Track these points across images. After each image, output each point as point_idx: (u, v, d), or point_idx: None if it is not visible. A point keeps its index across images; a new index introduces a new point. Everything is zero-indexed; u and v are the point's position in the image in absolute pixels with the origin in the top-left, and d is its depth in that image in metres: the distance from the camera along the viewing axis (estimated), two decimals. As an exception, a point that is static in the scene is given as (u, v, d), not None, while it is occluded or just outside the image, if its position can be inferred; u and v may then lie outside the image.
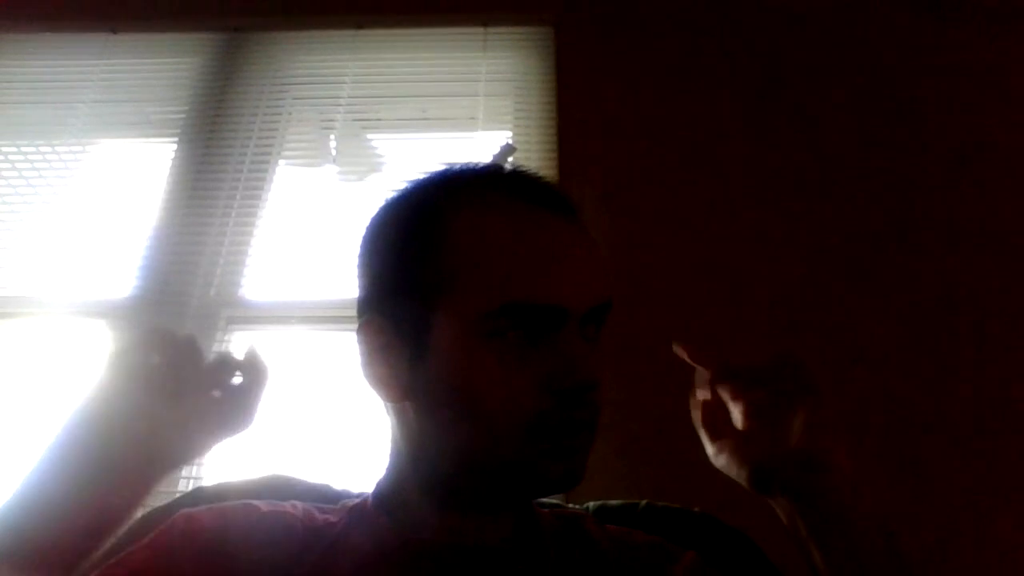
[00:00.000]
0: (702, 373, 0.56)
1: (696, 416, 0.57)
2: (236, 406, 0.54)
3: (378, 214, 0.55)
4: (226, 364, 0.55)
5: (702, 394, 0.57)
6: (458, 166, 0.54)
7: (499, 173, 0.53)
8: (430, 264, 0.49)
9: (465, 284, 0.47)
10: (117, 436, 0.48)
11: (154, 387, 0.50)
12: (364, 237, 0.55)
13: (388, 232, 0.53)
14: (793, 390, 0.52)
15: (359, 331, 0.52)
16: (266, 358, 0.55)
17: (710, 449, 0.55)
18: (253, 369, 0.55)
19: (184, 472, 1.22)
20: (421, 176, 0.55)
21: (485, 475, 0.49)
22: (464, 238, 0.48)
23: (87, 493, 0.47)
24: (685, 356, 0.56)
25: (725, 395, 0.55)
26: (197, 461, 0.52)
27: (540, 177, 0.53)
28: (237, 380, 0.55)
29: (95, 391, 0.49)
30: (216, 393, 0.54)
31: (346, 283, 1.36)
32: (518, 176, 0.53)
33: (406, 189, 0.55)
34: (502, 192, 0.51)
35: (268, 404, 0.55)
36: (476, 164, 0.54)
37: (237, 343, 1.38)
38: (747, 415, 0.53)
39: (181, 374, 0.51)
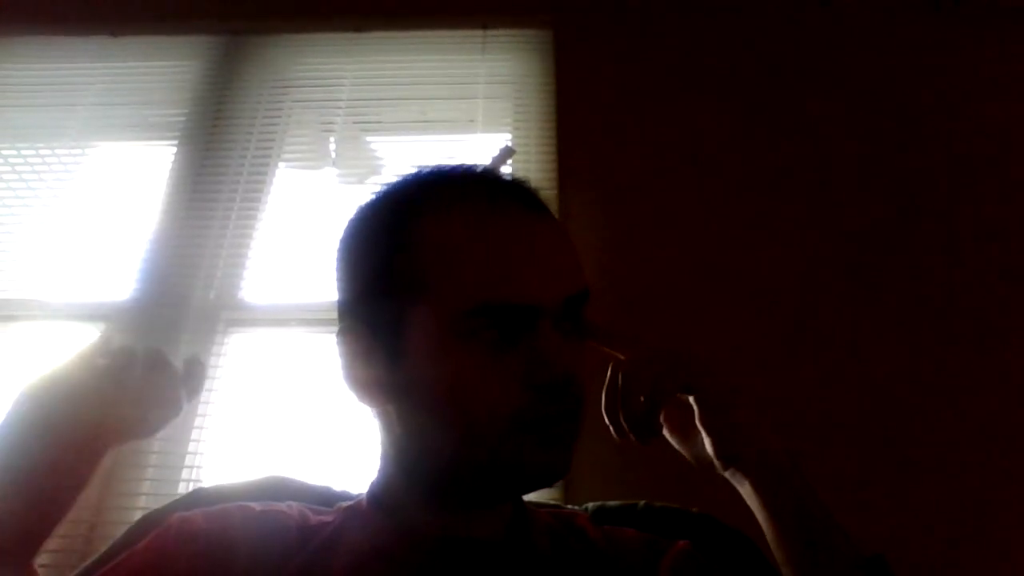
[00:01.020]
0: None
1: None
2: (171, 396, 0.59)
3: (352, 220, 0.56)
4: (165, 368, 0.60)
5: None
6: (428, 168, 0.54)
7: (468, 173, 0.54)
8: (404, 266, 0.49)
9: (439, 285, 0.48)
10: (66, 409, 0.50)
11: (100, 376, 0.54)
12: (340, 243, 0.56)
13: (362, 237, 0.54)
14: (676, 387, 0.55)
15: (338, 337, 0.53)
16: (202, 374, 0.62)
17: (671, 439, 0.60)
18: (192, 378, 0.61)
19: (183, 474, 1.22)
20: (392, 181, 0.55)
21: (470, 473, 0.49)
22: (435, 239, 0.49)
23: (37, 467, 0.48)
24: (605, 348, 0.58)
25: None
26: (140, 439, 0.56)
27: (520, 178, 0.54)
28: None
29: (46, 377, 0.52)
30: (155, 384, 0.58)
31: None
32: (487, 175, 0.54)
33: (378, 194, 0.55)
34: (471, 191, 0.51)
35: (203, 402, 0.62)
36: (446, 166, 0.54)
37: (236, 345, 1.38)
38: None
39: (122, 374, 0.56)
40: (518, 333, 0.47)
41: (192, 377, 0.61)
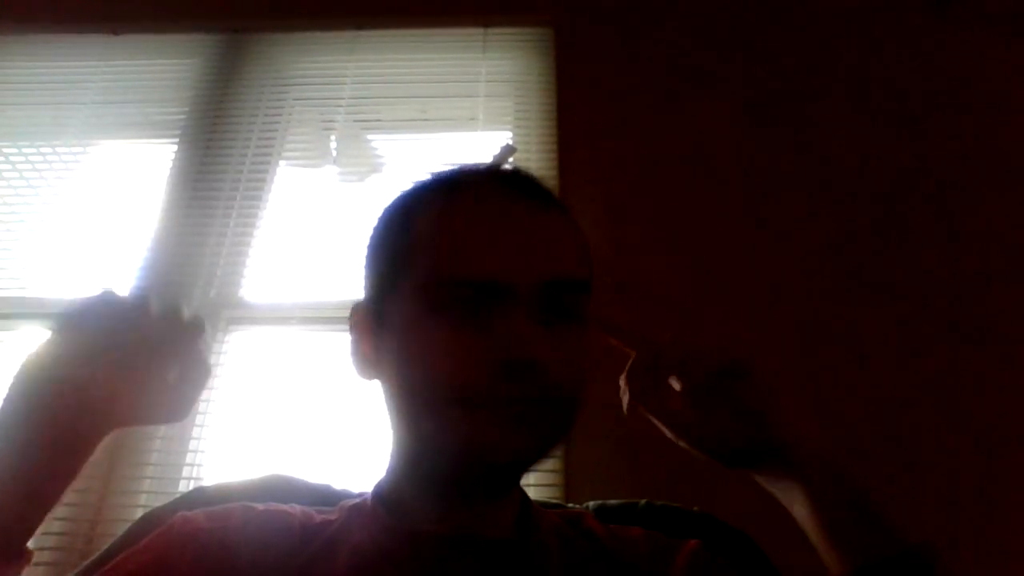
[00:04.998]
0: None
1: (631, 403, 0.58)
2: (176, 395, 0.49)
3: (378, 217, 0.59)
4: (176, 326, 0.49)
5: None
6: (451, 167, 0.57)
7: (469, 169, 0.56)
8: (398, 248, 0.52)
9: (418, 262, 0.50)
10: (57, 386, 0.45)
11: (100, 348, 0.46)
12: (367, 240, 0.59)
13: (375, 231, 0.57)
14: (722, 373, 0.55)
15: (349, 317, 0.56)
16: (207, 358, 0.51)
17: (668, 433, 0.57)
18: (197, 363, 0.50)
19: (183, 473, 1.22)
20: (411, 182, 0.58)
21: (433, 448, 0.50)
22: (425, 221, 0.52)
23: (27, 446, 0.44)
24: (617, 342, 0.58)
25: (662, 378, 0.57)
26: (135, 428, 0.49)
27: (525, 172, 0.56)
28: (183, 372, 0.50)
29: (39, 353, 0.46)
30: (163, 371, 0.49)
31: (346, 284, 1.36)
32: (486, 170, 0.57)
33: (402, 193, 0.58)
34: (464, 185, 0.54)
35: (204, 400, 0.56)
36: (467, 165, 0.57)
37: (236, 344, 1.38)
38: (691, 397, 0.56)
39: (130, 337, 0.46)
40: (485, 311, 0.47)
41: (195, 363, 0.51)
